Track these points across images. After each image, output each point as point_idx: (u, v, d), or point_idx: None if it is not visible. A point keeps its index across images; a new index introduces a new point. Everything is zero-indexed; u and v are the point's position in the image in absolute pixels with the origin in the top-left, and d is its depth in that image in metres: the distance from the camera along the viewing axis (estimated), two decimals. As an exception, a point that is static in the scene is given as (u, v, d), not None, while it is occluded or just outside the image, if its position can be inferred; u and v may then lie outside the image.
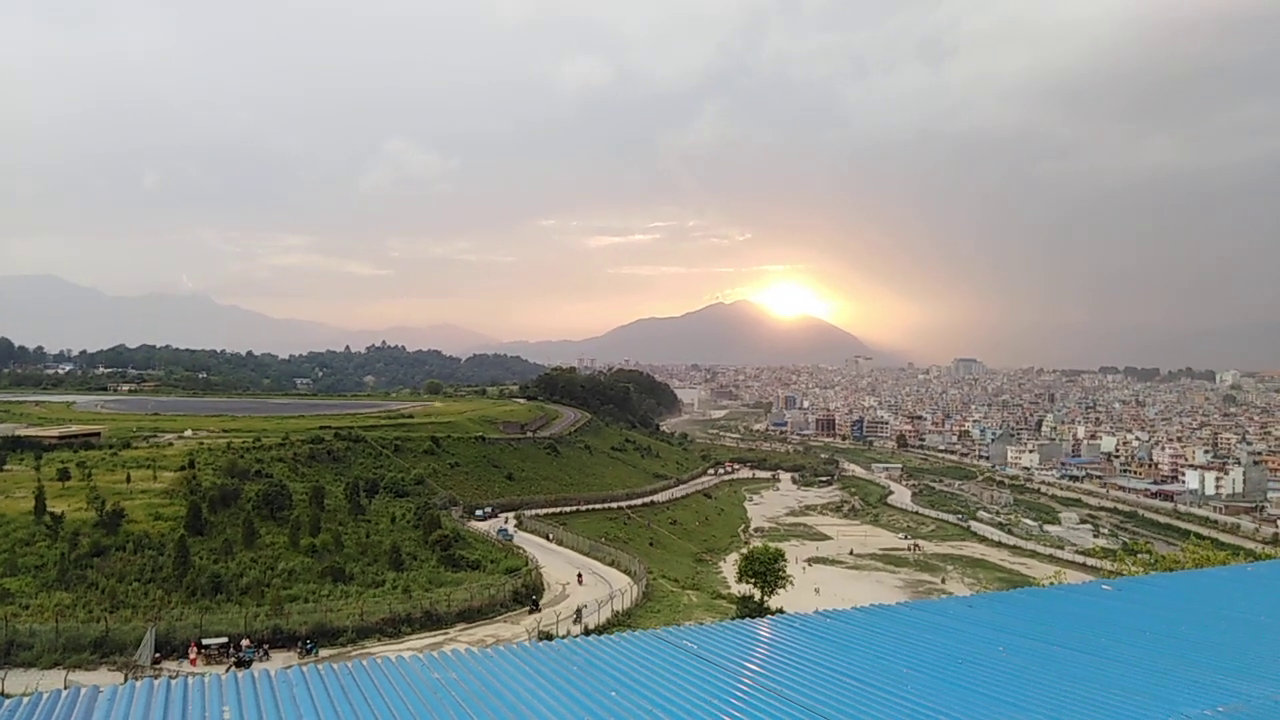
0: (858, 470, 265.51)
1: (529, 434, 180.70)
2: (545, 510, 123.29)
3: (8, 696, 9.22)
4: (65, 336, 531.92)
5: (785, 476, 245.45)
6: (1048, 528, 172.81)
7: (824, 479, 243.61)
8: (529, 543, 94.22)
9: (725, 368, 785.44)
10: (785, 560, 66.87)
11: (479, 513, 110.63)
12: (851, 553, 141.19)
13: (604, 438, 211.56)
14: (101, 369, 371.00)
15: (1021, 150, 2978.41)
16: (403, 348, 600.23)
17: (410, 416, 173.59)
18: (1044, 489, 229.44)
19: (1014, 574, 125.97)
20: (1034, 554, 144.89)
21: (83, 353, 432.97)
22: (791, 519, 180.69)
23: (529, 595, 68.93)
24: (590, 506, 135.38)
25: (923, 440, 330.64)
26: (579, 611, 63.20)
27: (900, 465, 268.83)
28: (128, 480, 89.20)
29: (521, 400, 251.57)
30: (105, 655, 48.82)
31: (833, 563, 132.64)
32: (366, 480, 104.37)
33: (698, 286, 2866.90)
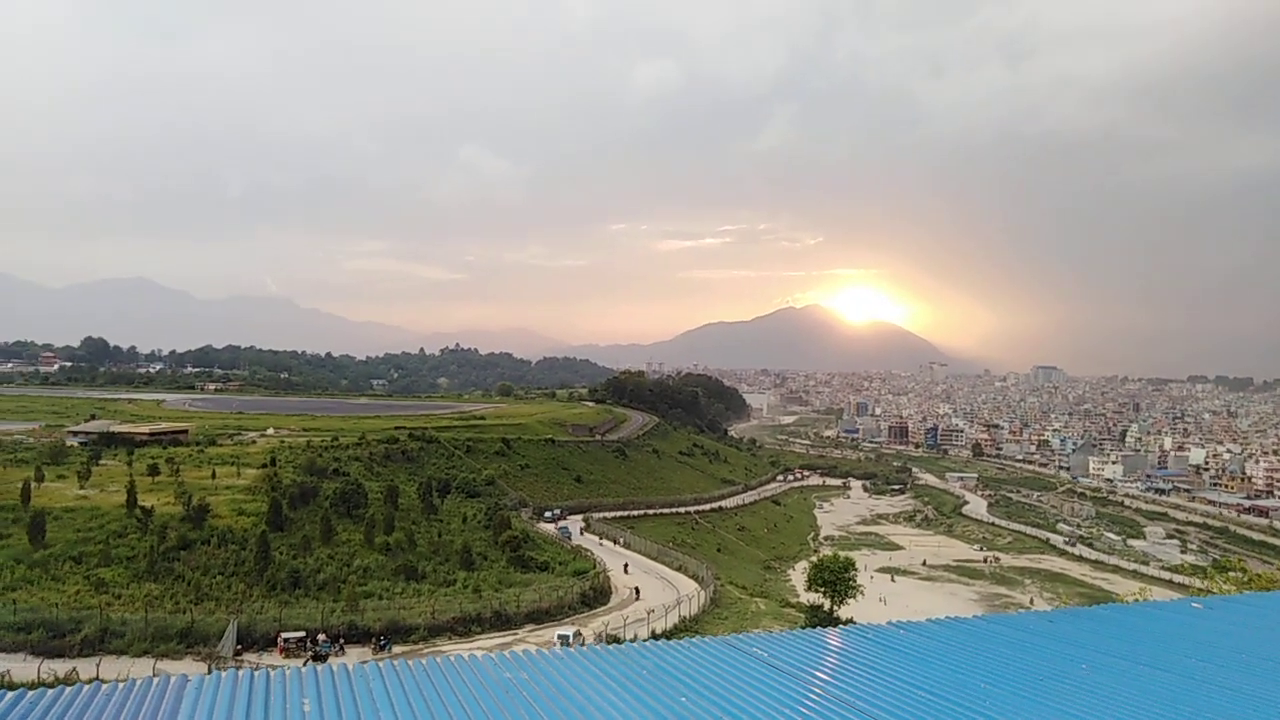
0: (931, 479, 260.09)
1: (597, 437, 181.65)
2: (613, 514, 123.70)
3: (104, 682, 9.67)
4: (156, 337, 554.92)
5: (856, 484, 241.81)
6: (1132, 542, 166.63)
7: (896, 487, 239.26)
8: (597, 546, 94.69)
9: (795, 373, 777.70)
10: (856, 569, 65.89)
11: (548, 514, 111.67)
12: (924, 563, 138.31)
13: (672, 442, 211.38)
14: (189, 369, 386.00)
15: (1107, 152, 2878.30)
16: (475, 350, 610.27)
17: (482, 418, 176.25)
18: (1128, 502, 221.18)
19: (1096, 590, 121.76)
20: (1117, 569, 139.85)
21: (172, 353, 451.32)
22: (862, 528, 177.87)
23: (596, 598, 69.32)
24: (658, 511, 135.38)
25: (999, 449, 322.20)
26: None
27: (976, 475, 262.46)
28: (213, 476, 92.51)
29: (590, 403, 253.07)
30: (191, 645, 50.67)
31: (904, 573, 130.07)
32: (439, 480, 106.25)
33: (768, 291, 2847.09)
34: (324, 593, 62.49)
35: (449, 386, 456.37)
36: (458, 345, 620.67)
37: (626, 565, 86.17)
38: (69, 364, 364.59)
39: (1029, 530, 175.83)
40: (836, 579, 63.10)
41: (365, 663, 9.26)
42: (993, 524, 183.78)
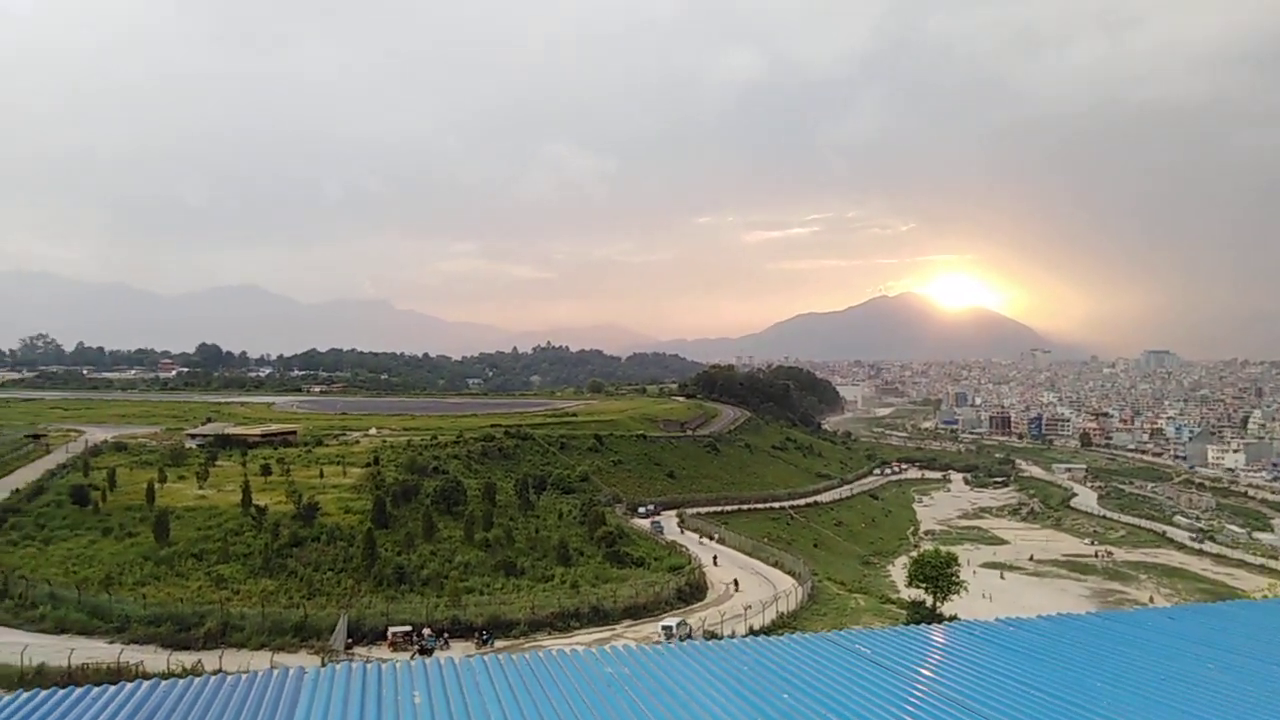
0: (1036, 471, 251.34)
1: (689, 432, 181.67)
2: (706, 509, 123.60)
3: (228, 674, 10.21)
4: (264, 342, 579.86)
5: (957, 477, 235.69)
6: (1258, 535, 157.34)
7: (999, 480, 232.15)
8: (694, 544, 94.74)
9: (890, 363, 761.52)
10: (958, 565, 64.22)
11: (641, 510, 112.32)
12: (1031, 558, 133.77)
13: (764, 436, 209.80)
14: (296, 372, 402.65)
15: (1214, 122, 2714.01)
16: (566, 348, 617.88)
17: (574, 415, 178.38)
18: (1252, 493, 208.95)
19: (1219, 585, 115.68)
20: (1242, 564, 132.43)
21: (280, 357, 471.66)
22: (964, 522, 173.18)
23: (692, 594, 69.41)
24: (752, 506, 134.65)
25: (1109, 439, 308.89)
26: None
27: (1084, 466, 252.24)
28: (321, 476, 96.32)
29: (681, 398, 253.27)
30: (304, 639, 52.83)
31: (1010, 568, 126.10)
32: (535, 477, 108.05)
33: (859, 280, 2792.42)
34: (427, 588, 64.31)
35: (541, 384, 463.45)
36: (548, 343, 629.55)
37: (716, 558, 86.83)
38: (185, 369, 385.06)
39: (1144, 523, 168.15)
40: (939, 574, 61.66)
41: (470, 657, 9.48)
42: (1104, 517, 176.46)
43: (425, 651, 52.07)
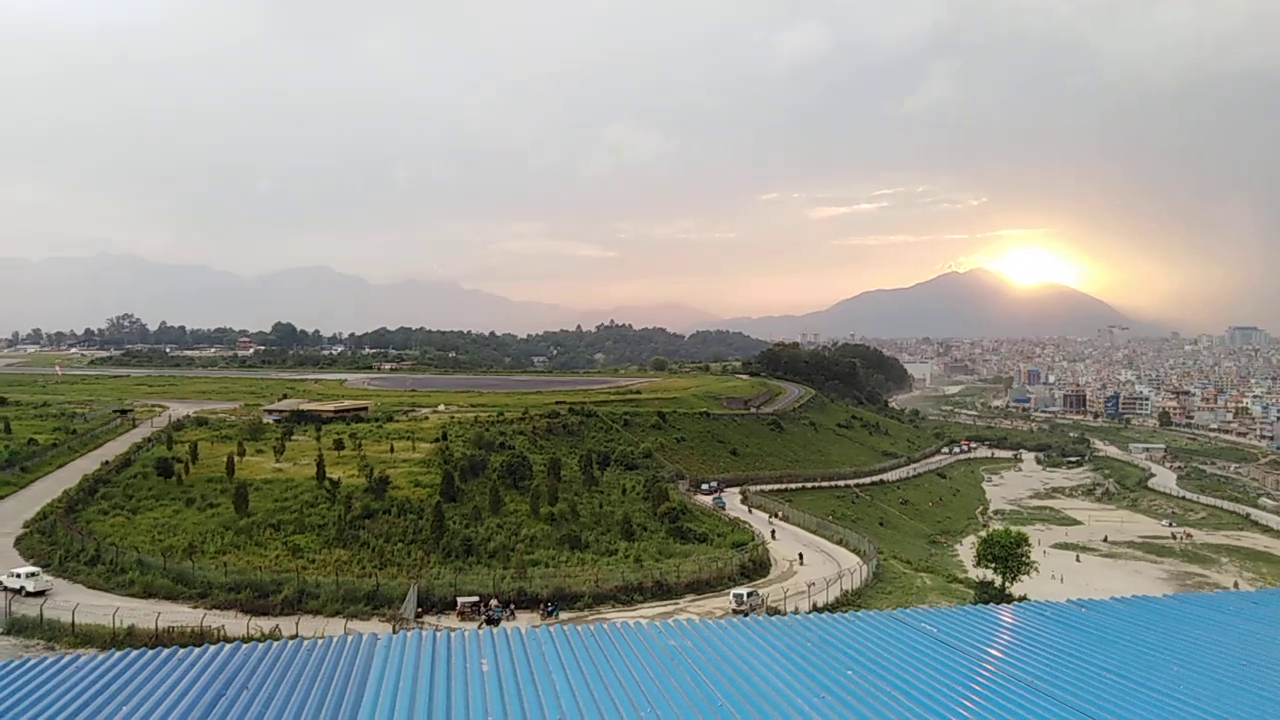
0: (1112, 451, 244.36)
1: (752, 410, 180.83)
2: (770, 486, 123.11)
3: (305, 639, 10.69)
4: (337, 321, 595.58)
5: (1028, 456, 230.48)
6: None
7: (1073, 459, 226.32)
8: (755, 519, 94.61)
9: (960, 340, 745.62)
10: (1029, 545, 62.93)
11: (705, 487, 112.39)
12: (1105, 539, 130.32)
13: (829, 414, 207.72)
14: (367, 350, 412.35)
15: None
16: (629, 326, 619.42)
17: (638, 392, 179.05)
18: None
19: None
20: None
21: (351, 335, 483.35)
22: (1036, 501, 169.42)
23: (755, 570, 69.38)
24: (816, 484, 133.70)
25: (1190, 418, 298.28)
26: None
27: (1163, 445, 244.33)
28: (391, 450, 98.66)
29: (744, 376, 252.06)
30: (376, 608, 54.37)
31: (1084, 550, 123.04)
32: (599, 453, 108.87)
33: (928, 255, 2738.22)
34: (494, 560, 65.50)
35: (605, 362, 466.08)
36: (612, 321, 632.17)
37: (774, 531, 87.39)
38: (262, 348, 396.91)
39: (1226, 505, 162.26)
40: (1008, 555, 60.56)
41: (536, 627, 9.67)
42: (1183, 498, 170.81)
43: (492, 621, 53.11)
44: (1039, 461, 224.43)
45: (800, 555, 77.63)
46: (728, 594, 60.96)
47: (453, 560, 64.90)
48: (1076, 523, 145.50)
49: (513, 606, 56.18)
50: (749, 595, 59.39)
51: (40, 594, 53.04)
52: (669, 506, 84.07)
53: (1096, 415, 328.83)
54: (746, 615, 55.09)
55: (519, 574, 60.84)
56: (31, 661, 11.17)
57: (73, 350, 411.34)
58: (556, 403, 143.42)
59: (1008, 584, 60.54)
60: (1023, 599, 52.64)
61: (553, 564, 65.50)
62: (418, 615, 53.97)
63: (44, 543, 65.50)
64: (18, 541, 66.52)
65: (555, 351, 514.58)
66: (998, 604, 13.46)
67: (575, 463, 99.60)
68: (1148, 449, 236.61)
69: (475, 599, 55.76)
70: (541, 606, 56.67)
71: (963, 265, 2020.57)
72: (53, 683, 10.30)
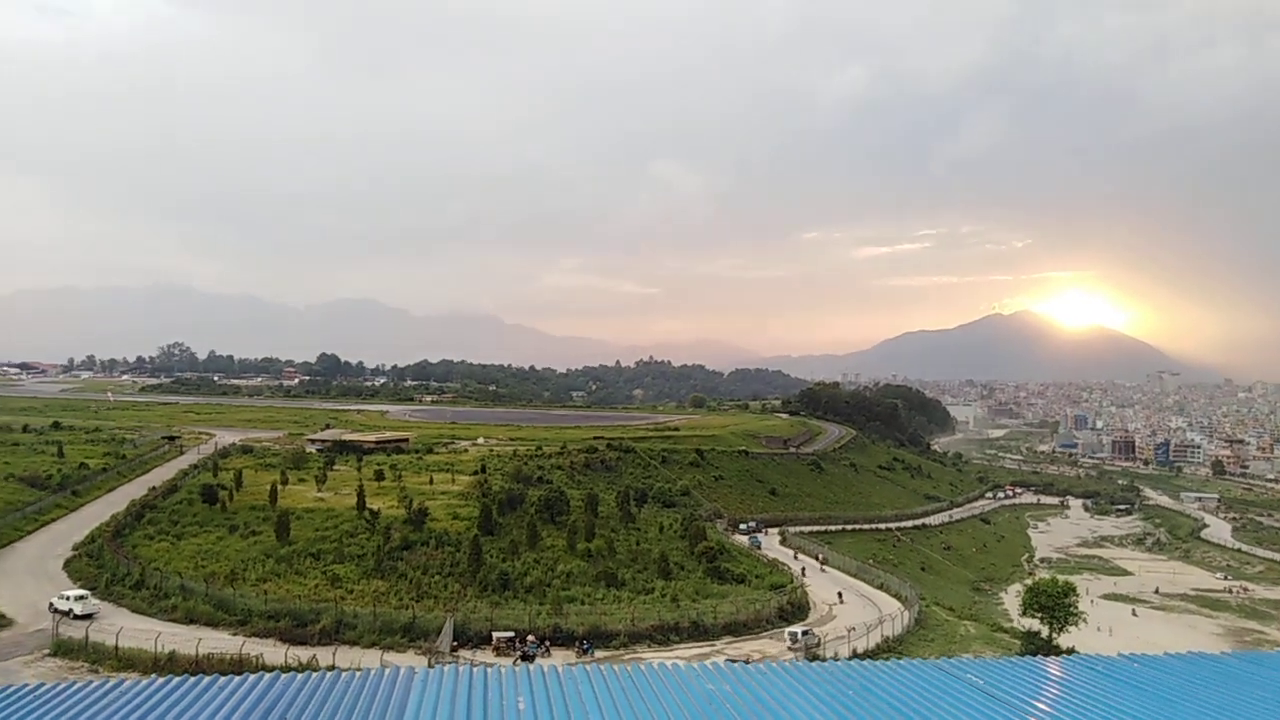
0: (1163, 499, 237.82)
1: (792, 449, 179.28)
2: (809, 528, 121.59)
3: (343, 670, 10.77)
4: (381, 352, 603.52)
5: (1075, 503, 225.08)
6: None
7: (1122, 507, 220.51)
8: (792, 560, 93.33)
9: (1004, 383, 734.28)
10: (1076, 595, 61.30)
11: (743, 527, 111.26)
12: (1157, 591, 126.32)
13: (870, 455, 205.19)
14: (409, 381, 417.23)
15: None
16: (668, 362, 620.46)
17: (676, 429, 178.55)
18: None
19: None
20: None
21: (394, 367, 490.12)
22: (1083, 550, 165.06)
23: (794, 612, 68.32)
24: (856, 526, 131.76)
25: (1245, 467, 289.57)
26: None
27: (1217, 495, 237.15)
28: (430, 482, 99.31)
29: (784, 415, 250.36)
30: (413, 640, 54.38)
31: (1134, 601, 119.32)
32: (636, 490, 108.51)
33: (972, 297, 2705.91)
34: (531, 595, 65.27)
35: (644, 398, 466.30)
36: (651, 358, 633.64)
37: (805, 570, 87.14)
38: (307, 377, 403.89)
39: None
40: (1055, 604, 59.07)
41: (572, 665, 9.62)
42: (1239, 550, 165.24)
43: (528, 658, 52.84)
44: (1087, 509, 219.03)
45: (840, 595, 77.20)
46: (765, 635, 60.06)
47: (489, 594, 64.80)
48: (1126, 573, 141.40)
49: (548, 643, 55.86)
50: (804, 634, 59.70)
51: (88, 617, 53.91)
52: (707, 546, 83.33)
53: (1146, 462, 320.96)
54: (803, 653, 54.76)
55: (555, 610, 60.56)
56: (78, 685, 11.34)
57: (124, 377, 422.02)
58: (595, 438, 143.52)
59: (1055, 635, 58.96)
60: (1070, 651, 51.18)
61: (588, 601, 65.09)
62: (453, 649, 53.87)
63: (91, 566, 66.73)
64: (67, 564, 67.88)
65: (594, 387, 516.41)
66: (1045, 656, 13.07)
67: (612, 499, 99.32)
68: (1200, 498, 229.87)
69: (511, 634, 55.56)
70: (577, 644, 56.27)
71: (1007, 307, 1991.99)
72: (97, 707, 10.43)
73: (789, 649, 57.36)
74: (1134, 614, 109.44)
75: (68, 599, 55.35)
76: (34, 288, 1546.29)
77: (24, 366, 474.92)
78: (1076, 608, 59.95)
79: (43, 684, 11.46)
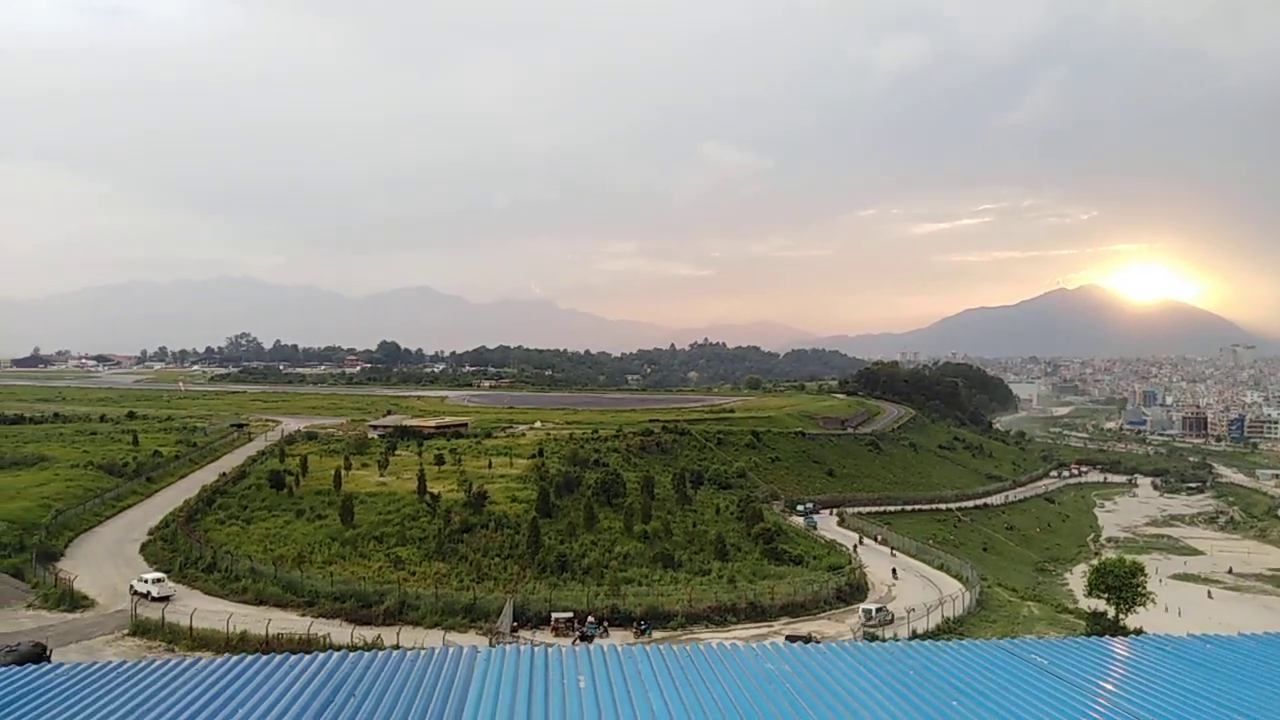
0: (1237, 477, 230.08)
1: (849, 430, 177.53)
2: (868, 509, 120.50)
3: (407, 650, 11.09)
4: (438, 339, 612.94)
5: (1144, 481, 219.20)
6: None
7: (1193, 485, 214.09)
8: (852, 540, 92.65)
9: (1069, 360, 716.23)
10: (1145, 575, 59.76)
11: (800, 508, 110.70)
12: (1230, 571, 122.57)
13: (930, 435, 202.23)
14: (467, 367, 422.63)
15: None
16: (723, 344, 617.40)
17: (731, 411, 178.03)
18: None
19: None
20: None
21: (452, 353, 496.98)
22: (1152, 529, 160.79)
23: (852, 593, 67.93)
24: (916, 507, 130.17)
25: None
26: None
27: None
28: (489, 466, 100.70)
29: (841, 395, 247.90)
30: (474, 620, 55.36)
31: (1206, 581, 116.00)
32: (692, 472, 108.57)
33: (1034, 272, 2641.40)
34: (588, 577, 65.92)
35: (698, 380, 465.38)
36: (706, 340, 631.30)
37: (855, 546, 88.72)
38: (368, 365, 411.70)
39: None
40: (1122, 585, 57.65)
41: (631, 645, 9.71)
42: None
43: (586, 638, 53.39)
44: (1156, 487, 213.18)
45: (895, 572, 77.67)
46: (823, 616, 59.79)
47: (548, 576, 65.60)
48: (1198, 553, 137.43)
49: (606, 624, 56.36)
50: (878, 611, 60.62)
51: (165, 599, 55.95)
52: (763, 527, 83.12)
53: (1219, 439, 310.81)
54: (877, 631, 54.88)
55: (612, 591, 61.04)
56: (156, 663, 11.81)
57: (195, 367, 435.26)
58: (650, 421, 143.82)
59: (1122, 616, 57.60)
60: (1138, 632, 50.01)
61: (646, 582, 65.48)
62: (513, 629, 54.68)
63: (166, 550, 69.20)
64: (143, 548, 70.52)
65: (649, 370, 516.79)
66: (1110, 636, 12.79)
67: (669, 481, 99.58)
68: (1277, 475, 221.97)
69: (569, 615, 56.20)
70: (635, 625, 56.68)
71: (1072, 282, 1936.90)
72: (175, 684, 10.86)
73: (862, 626, 58.28)
74: (1210, 596, 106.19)
75: (146, 581, 57.52)
76: (109, 283, 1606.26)
77: (100, 359, 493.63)
78: (1145, 588, 58.43)
79: (125, 661, 11.96)
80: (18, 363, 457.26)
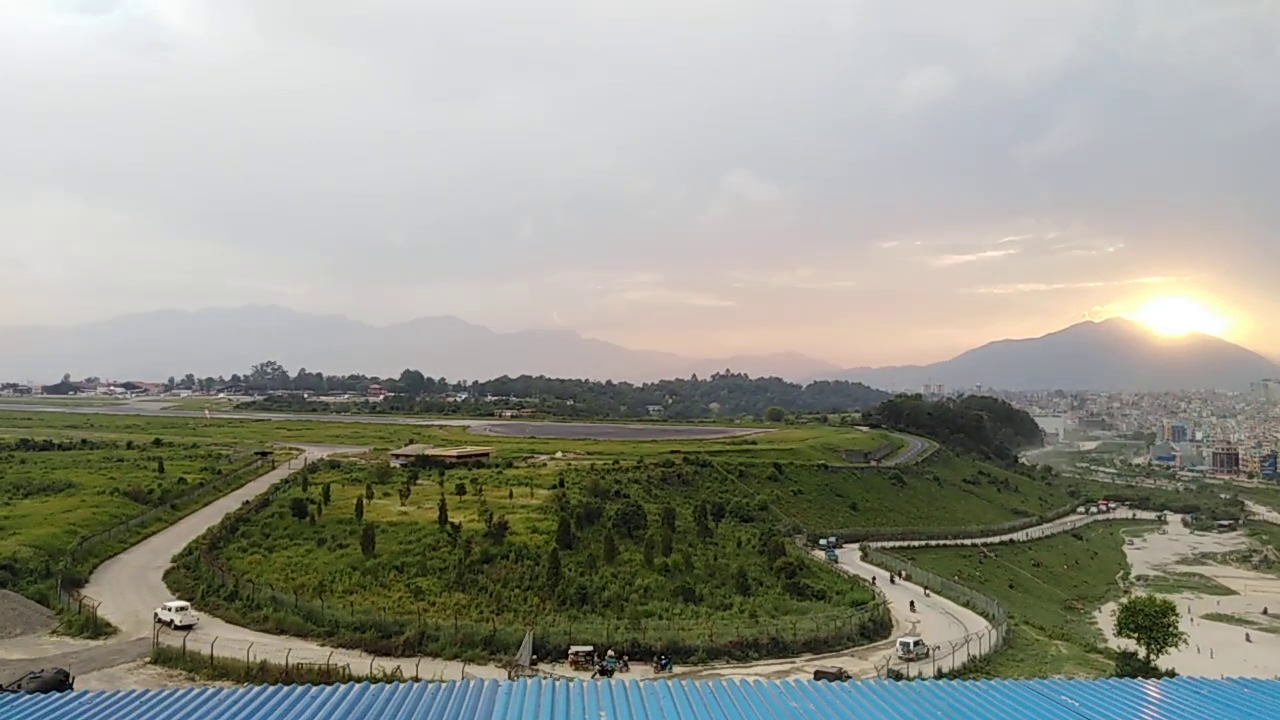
0: (1271, 515, 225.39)
1: (873, 463, 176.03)
2: (891, 543, 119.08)
3: (429, 682, 11.04)
4: (461, 368, 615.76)
5: (1174, 518, 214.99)
6: None
7: (1225, 523, 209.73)
8: (874, 574, 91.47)
9: (1096, 394, 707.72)
10: (1176, 615, 58.55)
11: (823, 542, 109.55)
12: (1265, 612, 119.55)
13: (954, 469, 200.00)
14: (489, 397, 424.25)
15: None
16: (745, 375, 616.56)
17: (753, 443, 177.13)
18: None
19: None
20: None
21: (474, 383, 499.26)
22: (1183, 568, 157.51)
23: (876, 630, 66.97)
24: (941, 542, 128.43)
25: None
26: (910, 645, 60.85)
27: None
28: (510, 496, 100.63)
29: (864, 428, 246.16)
30: (493, 653, 55.05)
31: (1239, 622, 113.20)
32: (713, 504, 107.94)
33: (1060, 305, 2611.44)
34: (608, 609, 65.43)
35: (720, 411, 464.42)
36: (728, 371, 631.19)
37: (875, 578, 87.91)
38: (392, 394, 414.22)
39: None
40: (1153, 624, 56.60)
41: (653, 680, 9.61)
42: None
43: (606, 672, 52.91)
44: (1186, 524, 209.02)
45: (912, 604, 77.27)
46: (846, 653, 58.92)
47: (567, 608, 65.20)
48: (1231, 592, 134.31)
49: (626, 658, 55.86)
50: (915, 644, 60.39)
51: (188, 628, 56.11)
52: (786, 561, 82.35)
53: (1251, 475, 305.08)
54: (902, 669, 54.24)
55: (632, 625, 60.56)
56: (178, 693, 11.81)
57: (221, 395, 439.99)
58: (671, 452, 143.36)
59: (1153, 656, 56.41)
60: (1170, 674, 48.89)
61: (666, 616, 64.92)
62: (533, 662, 54.32)
63: (189, 577, 69.50)
64: (166, 575, 70.89)
65: (670, 400, 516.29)
66: (1143, 678, 12.49)
67: (689, 513, 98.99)
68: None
69: (589, 648, 55.76)
70: (655, 659, 56.13)
71: (1098, 315, 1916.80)
72: (196, 715, 10.85)
73: (900, 659, 58.76)
74: (1248, 639, 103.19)
75: (170, 610, 57.78)
76: (138, 311, 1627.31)
77: (129, 386, 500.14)
78: (1176, 628, 57.30)
79: (146, 690, 11.98)
80: (48, 389, 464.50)
